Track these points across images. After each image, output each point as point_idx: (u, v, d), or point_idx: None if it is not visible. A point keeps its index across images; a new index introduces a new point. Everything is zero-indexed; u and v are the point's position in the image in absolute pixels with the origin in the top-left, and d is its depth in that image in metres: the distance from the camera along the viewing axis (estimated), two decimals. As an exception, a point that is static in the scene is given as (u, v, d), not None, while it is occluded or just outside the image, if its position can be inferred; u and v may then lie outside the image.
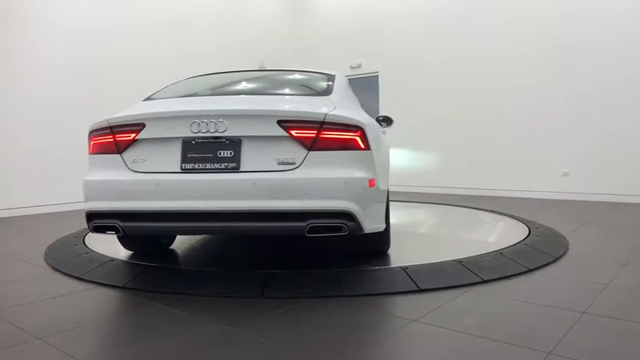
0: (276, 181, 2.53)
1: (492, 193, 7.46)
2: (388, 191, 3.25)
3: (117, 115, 2.79)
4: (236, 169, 2.58)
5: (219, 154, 2.60)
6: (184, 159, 2.63)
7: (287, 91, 3.41)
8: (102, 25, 6.70)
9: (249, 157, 2.59)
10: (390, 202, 3.12)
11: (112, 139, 2.76)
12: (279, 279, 2.81)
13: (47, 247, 3.84)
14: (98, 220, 2.72)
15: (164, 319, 2.32)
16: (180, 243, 3.94)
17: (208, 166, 2.60)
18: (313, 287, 2.71)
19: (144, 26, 7.19)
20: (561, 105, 6.96)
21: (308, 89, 3.34)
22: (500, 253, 3.26)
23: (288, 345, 2.01)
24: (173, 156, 2.64)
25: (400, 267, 2.92)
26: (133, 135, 2.71)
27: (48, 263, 3.41)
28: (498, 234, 4.35)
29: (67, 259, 3.41)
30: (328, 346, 2.01)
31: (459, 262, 3.04)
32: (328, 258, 3.22)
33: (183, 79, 3.74)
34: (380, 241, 3.17)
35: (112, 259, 3.37)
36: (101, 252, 3.55)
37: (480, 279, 2.81)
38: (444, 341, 2.02)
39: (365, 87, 8.51)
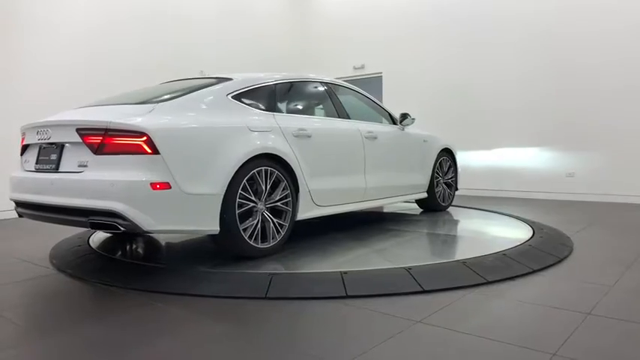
0: (65, 181, 2.92)
1: (495, 194, 7.44)
2: (290, 198, 3.40)
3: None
4: (55, 170, 3.03)
5: (51, 157, 3.09)
6: (37, 160, 3.21)
7: (140, 99, 3.29)
8: (100, 24, 6.70)
9: (66, 159, 3.01)
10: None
11: (21, 144, 3.48)
12: (282, 279, 2.81)
13: (52, 248, 3.86)
14: (15, 206, 3.41)
15: (166, 320, 2.32)
16: (183, 243, 3.94)
17: (45, 166, 3.12)
18: (317, 288, 2.71)
19: (144, 27, 7.20)
20: (566, 106, 6.94)
21: (158, 97, 3.21)
22: (504, 254, 3.25)
23: (291, 346, 2.01)
24: (35, 158, 3.24)
25: (404, 268, 2.91)
26: (23, 141, 3.42)
27: (52, 264, 3.42)
28: (502, 235, 4.34)
29: (71, 260, 3.43)
30: (331, 347, 2.00)
31: (463, 262, 3.03)
32: (331, 258, 3.22)
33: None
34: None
35: (116, 260, 3.38)
36: (105, 253, 3.56)
37: (484, 280, 2.80)
38: (449, 342, 2.01)
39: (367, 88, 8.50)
